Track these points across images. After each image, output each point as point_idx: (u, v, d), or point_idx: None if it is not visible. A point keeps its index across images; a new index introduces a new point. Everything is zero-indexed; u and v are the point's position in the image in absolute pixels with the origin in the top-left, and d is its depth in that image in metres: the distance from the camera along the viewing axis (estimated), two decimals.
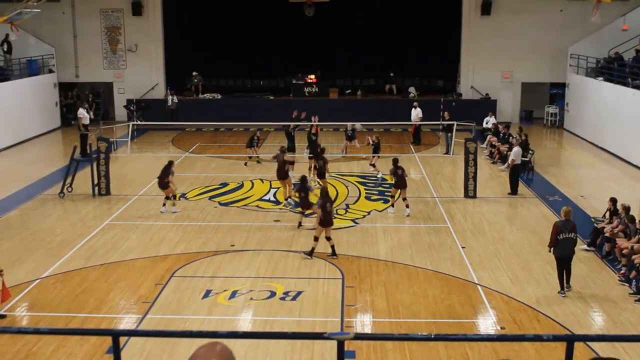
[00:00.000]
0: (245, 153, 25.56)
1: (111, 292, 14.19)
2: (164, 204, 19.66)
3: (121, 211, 19.80)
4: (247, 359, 11.26)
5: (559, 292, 14.02)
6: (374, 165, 23.87)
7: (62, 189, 21.09)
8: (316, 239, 16.09)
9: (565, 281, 14.11)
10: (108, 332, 5.79)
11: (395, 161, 19.58)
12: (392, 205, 19.78)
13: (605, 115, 28.11)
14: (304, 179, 18.41)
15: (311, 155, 23.51)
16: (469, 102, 33.95)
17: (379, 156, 23.98)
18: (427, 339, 5.36)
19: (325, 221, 16.05)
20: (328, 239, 16.11)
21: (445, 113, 28.39)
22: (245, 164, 25.29)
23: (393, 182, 19.65)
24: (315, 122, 25.74)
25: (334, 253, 16.06)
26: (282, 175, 20.43)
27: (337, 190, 21.56)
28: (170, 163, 19.83)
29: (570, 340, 4.28)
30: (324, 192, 16.76)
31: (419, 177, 23.81)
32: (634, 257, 14.48)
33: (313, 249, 16.08)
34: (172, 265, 15.52)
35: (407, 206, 19.38)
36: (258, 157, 25.56)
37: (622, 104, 26.55)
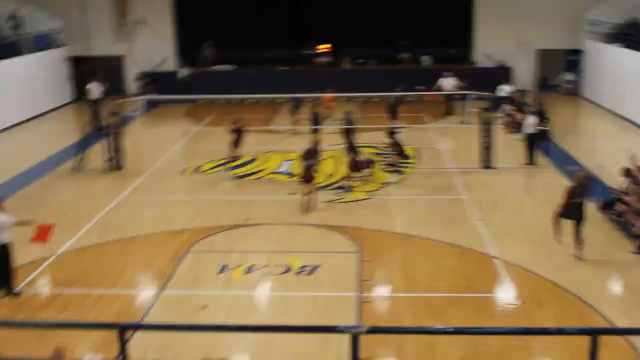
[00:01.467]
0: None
1: (127, 267, 14.14)
2: None
3: (135, 186, 19.72)
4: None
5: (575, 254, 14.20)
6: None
7: (76, 165, 21.01)
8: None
9: (576, 247, 14.21)
10: (113, 325, 5.68)
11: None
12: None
13: (623, 82, 27.64)
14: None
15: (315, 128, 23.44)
16: (483, 70, 33.50)
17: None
18: (444, 332, 5.19)
19: (304, 177, 17.33)
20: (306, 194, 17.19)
21: (462, 81, 28.06)
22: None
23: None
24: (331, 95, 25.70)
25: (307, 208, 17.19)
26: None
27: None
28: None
29: (593, 333, 4.10)
30: (307, 151, 18.10)
31: (435, 147, 23.58)
32: None
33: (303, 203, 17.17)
34: (188, 240, 15.43)
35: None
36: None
37: None
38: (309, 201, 17.39)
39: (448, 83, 28.75)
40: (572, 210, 14.10)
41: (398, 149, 19.60)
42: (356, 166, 18.81)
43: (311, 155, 18.11)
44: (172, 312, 12.21)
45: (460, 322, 11.64)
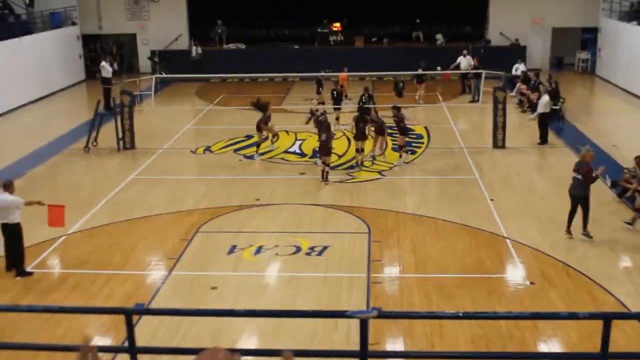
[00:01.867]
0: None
1: (137, 248, 14.16)
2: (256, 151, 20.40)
3: (146, 165, 19.74)
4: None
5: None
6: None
7: (88, 144, 21.04)
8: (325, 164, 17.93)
9: (582, 226, 14.08)
10: (121, 310, 5.67)
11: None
12: (400, 155, 19.55)
13: (639, 61, 27.26)
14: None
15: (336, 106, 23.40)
16: (497, 48, 33.17)
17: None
18: (455, 317, 5.15)
19: (320, 149, 18.06)
20: (324, 164, 17.91)
21: (475, 59, 27.83)
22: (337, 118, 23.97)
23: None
24: (344, 73, 25.51)
25: (325, 178, 17.81)
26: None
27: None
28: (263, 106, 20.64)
29: (606, 318, 4.03)
30: (327, 126, 18.31)
31: (448, 126, 23.44)
32: None
33: (323, 171, 17.90)
34: (197, 220, 15.44)
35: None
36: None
37: None
38: (326, 172, 17.81)
39: (466, 61, 28.45)
40: (573, 187, 14.04)
41: (401, 127, 19.28)
42: (363, 135, 18.77)
43: (327, 128, 18.23)
44: (181, 293, 12.24)
45: (470, 303, 11.57)
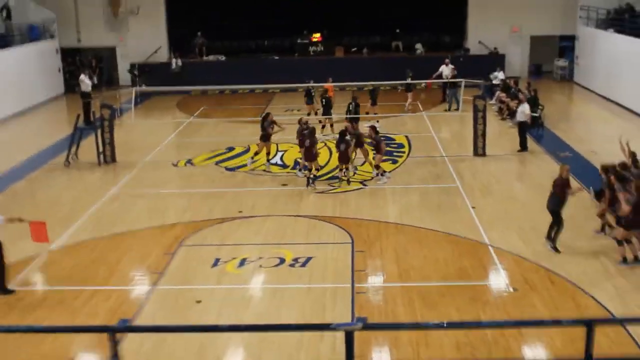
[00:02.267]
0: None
1: (120, 262, 14.06)
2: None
3: (127, 179, 19.65)
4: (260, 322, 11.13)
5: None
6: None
7: (68, 158, 20.93)
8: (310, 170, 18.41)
9: (552, 237, 14.10)
10: (104, 329, 5.65)
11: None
12: (382, 173, 18.96)
13: (616, 67, 27.60)
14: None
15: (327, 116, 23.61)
16: (476, 57, 33.41)
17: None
18: (439, 327, 5.21)
19: (306, 155, 18.38)
20: (305, 168, 18.55)
21: (453, 68, 28.04)
22: (323, 126, 23.97)
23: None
24: (329, 83, 25.55)
25: (311, 182, 18.18)
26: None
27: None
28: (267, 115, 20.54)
29: (589, 324, 4.08)
30: (311, 131, 18.82)
31: (427, 135, 23.56)
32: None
33: (308, 177, 18.32)
34: (180, 233, 15.39)
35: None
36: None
37: (634, 55, 26.03)
38: (312, 177, 18.21)
39: (448, 70, 28.54)
40: (549, 200, 14.11)
41: (376, 145, 18.92)
42: (346, 158, 18.67)
43: (312, 134, 18.59)
44: (166, 307, 12.18)
45: (454, 310, 11.63)
